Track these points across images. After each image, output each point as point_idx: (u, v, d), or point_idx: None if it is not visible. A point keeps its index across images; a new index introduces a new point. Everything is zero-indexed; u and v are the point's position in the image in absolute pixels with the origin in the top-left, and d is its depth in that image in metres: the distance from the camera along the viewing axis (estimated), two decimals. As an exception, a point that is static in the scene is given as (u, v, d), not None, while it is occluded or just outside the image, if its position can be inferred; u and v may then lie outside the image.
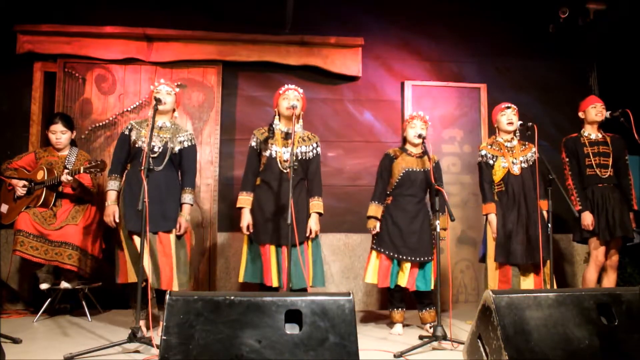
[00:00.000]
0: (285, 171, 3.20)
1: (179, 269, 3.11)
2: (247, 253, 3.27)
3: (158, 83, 3.26)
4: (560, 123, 4.52)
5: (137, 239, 3.03)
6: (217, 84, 4.44)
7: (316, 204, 3.28)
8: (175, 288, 3.09)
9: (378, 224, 3.40)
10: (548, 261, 3.40)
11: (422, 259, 3.32)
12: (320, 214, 3.29)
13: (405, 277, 3.33)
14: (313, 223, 3.24)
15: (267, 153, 3.27)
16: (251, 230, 3.22)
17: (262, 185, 3.27)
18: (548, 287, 3.34)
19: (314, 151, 3.34)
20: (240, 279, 3.24)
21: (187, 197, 3.22)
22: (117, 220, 3.08)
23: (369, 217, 3.43)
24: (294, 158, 3.07)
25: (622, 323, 2.02)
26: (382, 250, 3.37)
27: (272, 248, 3.17)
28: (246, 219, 3.22)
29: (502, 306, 1.98)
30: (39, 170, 3.67)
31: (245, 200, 3.25)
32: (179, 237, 3.17)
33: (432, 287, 3.33)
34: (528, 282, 3.42)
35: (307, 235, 3.22)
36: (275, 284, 3.10)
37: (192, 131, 3.44)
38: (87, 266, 3.56)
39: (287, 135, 3.26)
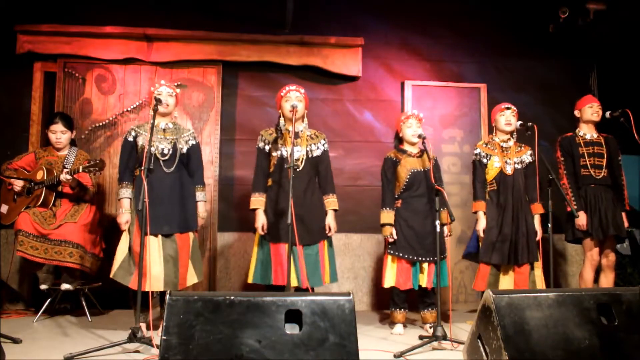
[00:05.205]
0: (297, 170, 3.21)
1: (194, 267, 3.19)
2: (257, 254, 3.25)
3: (159, 84, 3.25)
4: (561, 123, 4.52)
5: (155, 241, 3.06)
6: (217, 84, 4.44)
7: (331, 201, 3.31)
8: (190, 284, 3.17)
9: (394, 230, 3.37)
10: (536, 263, 3.43)
11: (437, 258, 3.32)
12: (335, 211, 3.31)
13: (425, 277, 3.35)
14: (331, 220, 3.27)
15: (277, 153, 3.28)
16: (265, 231, 3.22)
17: (274, 186, 3.27)
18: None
19: (322, 149, 3.35)
20: (250, 280, 3.24)
21: (199, 195, 3.29)
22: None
23: (383, 225, 3.39)
24: (302, 157, 3.18)
25: (622, 323, 2.02)
26: (401, 254, 3.34)
27: (287, 247, 3.15)
28: (260, 220, 3.21)
29: (502, 306, 1.98)
30: (38, 170, 3.67)
31: (258, 201, 3.25)
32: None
33: (449, 284, 3.39)
34: (507, 282, 3.43)
35: (327, 233, 3.25)
36: (294, 282, 3.08)
37: (192, 129, 3.45)
38: (89, 263, 3.56)
39: (295, 135, 3.27)
